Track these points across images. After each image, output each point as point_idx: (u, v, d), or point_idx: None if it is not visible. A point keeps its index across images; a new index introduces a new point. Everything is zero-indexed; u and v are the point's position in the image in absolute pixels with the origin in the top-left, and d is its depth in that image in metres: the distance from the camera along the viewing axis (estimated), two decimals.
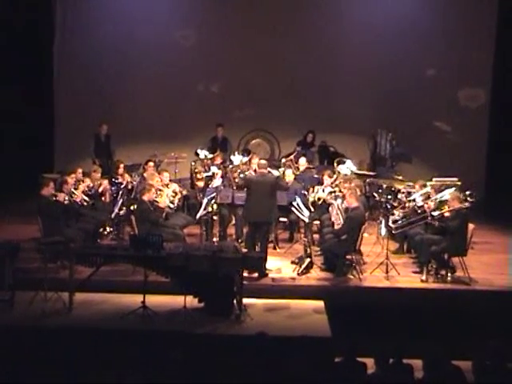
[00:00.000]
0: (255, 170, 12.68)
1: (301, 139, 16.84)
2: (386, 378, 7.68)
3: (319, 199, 12.92)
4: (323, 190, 12.91)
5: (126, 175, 13.69)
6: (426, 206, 12.05)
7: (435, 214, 11.60)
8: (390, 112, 17.28)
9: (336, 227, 11.79)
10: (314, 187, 13.25)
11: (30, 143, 16.59)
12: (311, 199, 12.96)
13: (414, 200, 12.44)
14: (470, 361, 7.91)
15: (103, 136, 16.07)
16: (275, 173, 12.45)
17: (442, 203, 11.96)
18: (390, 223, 12.15)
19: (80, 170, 13.30)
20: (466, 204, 11.75)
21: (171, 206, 12.56)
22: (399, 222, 12.13)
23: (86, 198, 12.47)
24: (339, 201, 12.10)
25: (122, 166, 13.92)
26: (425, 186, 12.78)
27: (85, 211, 12.46)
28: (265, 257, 11.42)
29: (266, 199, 11.57)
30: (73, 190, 12.32)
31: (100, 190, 13.14)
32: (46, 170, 15.14)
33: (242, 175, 12.85)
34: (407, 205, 12.53)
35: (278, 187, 11.86)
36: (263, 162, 12.13)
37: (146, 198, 11.92)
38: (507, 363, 7.74)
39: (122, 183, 13.29)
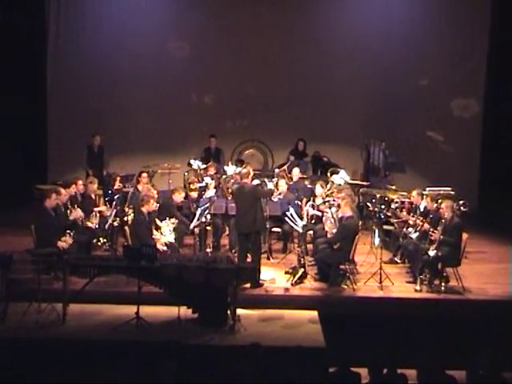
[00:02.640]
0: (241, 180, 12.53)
1: (293, 148, 16.87)
2: None
3: (312, 217, 12.89)
4: (312, 206, 12.87)
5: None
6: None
7: (431, 253, 11.30)
8: (383, 122, 17.34)
9: (329, 236, 11.81)
10: (307, 202, 13.15)
11: (23, 154, 16.57)
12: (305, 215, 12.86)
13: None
14: (464, 370, 7.92)
15: (96, 147, 16.06)
16: (255, 182, 11.86)
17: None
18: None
19: (80, 182, 13.10)
20: (458, 213, 11.74)
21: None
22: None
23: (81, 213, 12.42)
24: (333, 209, 12.11)
25: (118, 178, 13.94)
26: (422, 195, 12.77)
27: (78, 222, 12.43)
28: (258, 267, 11.41)
29: (247, 210, 11.43)
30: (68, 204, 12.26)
31: None
32: (39, 181, 15.09)
33: (235, 185, 12.79)
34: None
35: (259, 195, 11.70)
36: (244, 171, 11.84)
37: (144, 209, 11.80)
38: (501, 372, 7.75)
39: (115, 194, 13.26)
